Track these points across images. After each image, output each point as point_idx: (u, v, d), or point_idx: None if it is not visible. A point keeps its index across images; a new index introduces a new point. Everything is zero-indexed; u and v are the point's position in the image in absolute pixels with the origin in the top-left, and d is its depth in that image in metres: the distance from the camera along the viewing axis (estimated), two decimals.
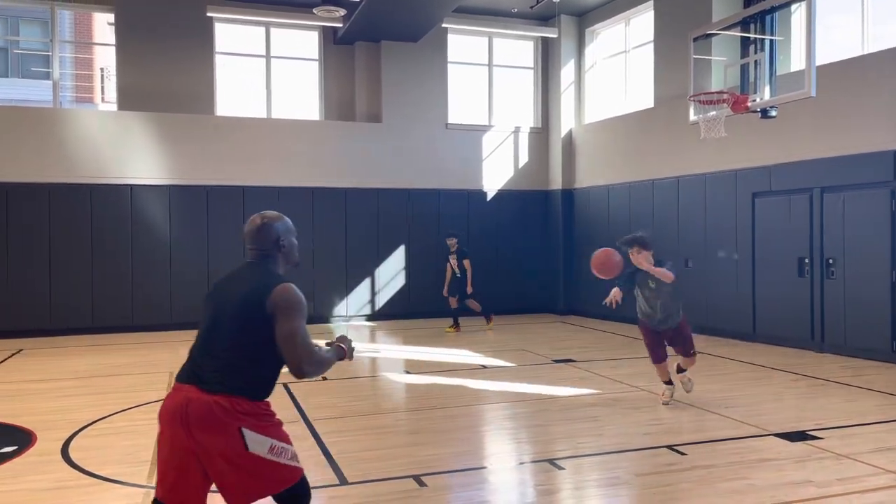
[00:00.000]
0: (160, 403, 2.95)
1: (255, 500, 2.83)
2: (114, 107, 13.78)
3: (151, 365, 9.40)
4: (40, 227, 12.22)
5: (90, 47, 20.98)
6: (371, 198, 14.05)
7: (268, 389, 2.92)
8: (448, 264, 12.49)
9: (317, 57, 14.43)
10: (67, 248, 12.29)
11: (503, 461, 5.47)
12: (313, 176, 13.73)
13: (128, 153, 12.75)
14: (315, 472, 4.96)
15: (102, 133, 12.69)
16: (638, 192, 13.23)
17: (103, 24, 18.44)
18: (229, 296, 2.90)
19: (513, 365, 9.23)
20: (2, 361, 9.72)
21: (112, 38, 13.50)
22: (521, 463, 5.39)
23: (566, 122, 15.07)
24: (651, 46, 13.07)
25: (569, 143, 15.09)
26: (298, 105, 14.43)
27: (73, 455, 5.39)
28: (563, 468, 5.00)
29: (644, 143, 13.09)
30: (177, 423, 2.77)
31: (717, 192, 11.52)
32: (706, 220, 11.73)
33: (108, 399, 7.23)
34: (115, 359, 9.96)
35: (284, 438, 2.91)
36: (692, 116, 9.83)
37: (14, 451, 5.49)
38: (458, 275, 12.27)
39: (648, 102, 13.15)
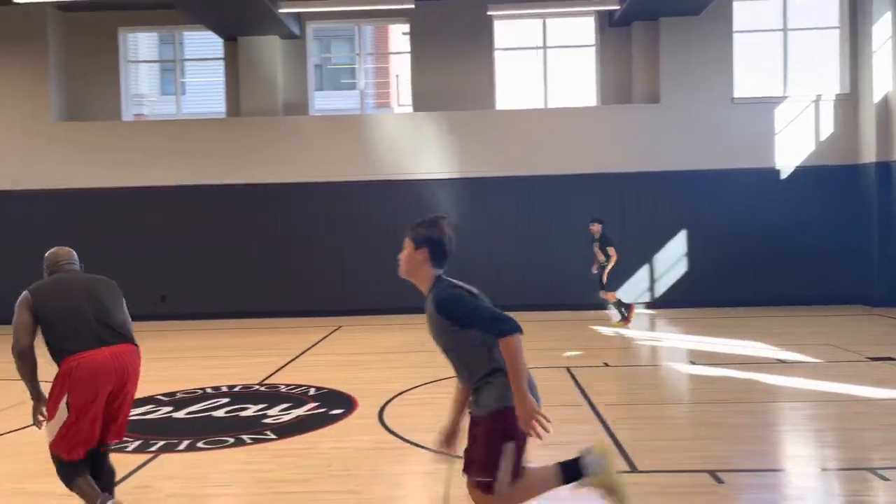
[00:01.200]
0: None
1: (123, 434, 4.09)
2: (407, 109, 15.20)
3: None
4: (344, 221, 13.91)
5: (385, 57, 23.32)
6: (651, 181, 13.61)
7: None
8: (594, 254, 11.55)
9: (593, 42, 14.37)
10: (375, 240, 13.80)
11: (806, 465, 5.03)
12: (591, 162, 13.71)
13: (420, 150, 13.98)
14: None
15: (399, 133, 14.08)
16: None
17: (397, 35, 20.40)
18: (96, 287, 4.06)
19: (817, 361, 8.34)
20: (326, 336, 11.36)
21: (406, 47, 14.90)
22: (825, 469, 4.90)
23: (881, 85, 13.06)
24: None
25: (884, 108, 13.07)
26: (573, 92, 14.52)
27: (387, 420, 6.15)
28: (886, 479, 4.44)
29: None
30: (111, 373, 3.82)
31: None
32: None
33: (412, 373, 8.04)
34: (411, 337, 11.01)
35: None
36: None
37: (342, 413, 6.44)
38: (605, 263, 11.33)
39: None
